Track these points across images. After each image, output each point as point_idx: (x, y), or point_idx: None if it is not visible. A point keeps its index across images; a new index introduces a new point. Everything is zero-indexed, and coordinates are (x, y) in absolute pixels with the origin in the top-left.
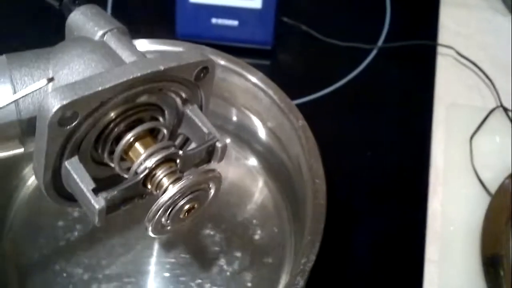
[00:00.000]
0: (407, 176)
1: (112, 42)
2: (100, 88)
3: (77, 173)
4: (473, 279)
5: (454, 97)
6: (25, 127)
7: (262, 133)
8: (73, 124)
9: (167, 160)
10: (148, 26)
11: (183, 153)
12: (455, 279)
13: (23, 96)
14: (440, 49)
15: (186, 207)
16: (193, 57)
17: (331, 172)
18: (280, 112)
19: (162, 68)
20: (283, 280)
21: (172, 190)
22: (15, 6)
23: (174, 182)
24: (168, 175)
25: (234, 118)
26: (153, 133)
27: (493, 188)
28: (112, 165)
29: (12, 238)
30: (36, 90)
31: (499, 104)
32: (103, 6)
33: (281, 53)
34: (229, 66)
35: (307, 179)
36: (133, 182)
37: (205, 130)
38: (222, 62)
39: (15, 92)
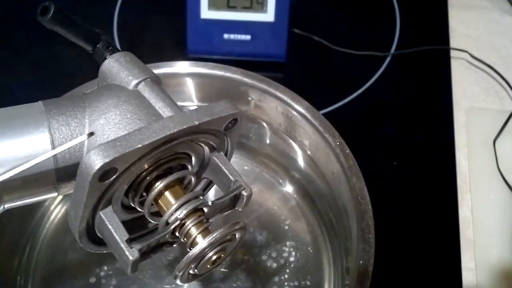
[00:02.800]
0: (435, 184)
1: (146, 92)
2: (139, 146)
3: (111, 223)
4: None
5: (472, 100)
6: (60, 175)
7: (297, 155)
8: (111, 179)
9: (196, 209)
10: (156, 44)
11: (212, 203)
12: (494, 287)
13: (63, 150)
14: (453, 53)
15: (214, 257)
16: (225, 110)
17: None
18: (314, 130)
19: (197, 123)
20: None
21: (203, 243)
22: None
23: (203, 232)
24: (196, 224)
25: (268, 141)
26: (181, 180)
27: None
28: (141, 210)
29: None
30: (74, 144)
31: None
32: (109, 25)
33: (295, 65)
34: (266, 89)
35: (348, 198)
36: (165, 233)
37: (231, 178)
38: (259, 85)
39: (52, 141)
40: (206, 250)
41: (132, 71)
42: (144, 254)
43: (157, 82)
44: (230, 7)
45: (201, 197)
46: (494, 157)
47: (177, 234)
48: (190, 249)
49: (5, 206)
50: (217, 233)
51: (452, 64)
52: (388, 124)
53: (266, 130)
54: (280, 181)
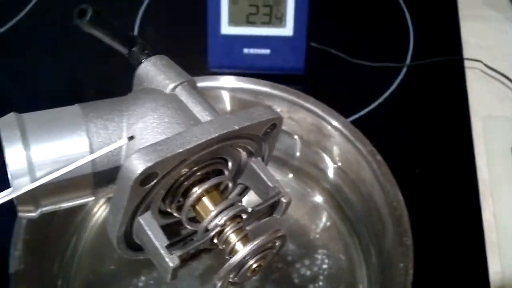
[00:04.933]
0: (457, 191)
1: (183, 95)
2: (181, 150)
3: (150, 229)
4: None
5: (488, 109)
6: (97, 179)
7: (326, 165)
8: (152, 183)
9: (235, 216)
10: (177, 58)
11: (251, 210)
12: None
13: (101, 154)
14: (467, 63)
15: (254, 265)
16: (265, 115)
17: None
18: (345, 140)
19: (237, 127)
20: None
21: (244, 251)
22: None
23: (242, 239)
24: (236, 231)
25: (298, 153)
26: (218, 186)
27: None
28: (178, 215)
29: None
30: (114, 147)
31: None
32: None
33: (313, 78)
34: (295, 101)
35: (382, 204)
36: (205, 239)
37: (270, 184)
38: (289, 97)
39: (91, 144)
40: (247, 257)
41: (169, 75)
42: (184, 261)
43: (194, 86)
44: (250, 23)
45: (239, 203)
46: None
47: (215, 241)
48: (230, 257)
49: (43, 210)
50: (259, 240)
51: (467, 74)
52: (408, 133)
53: (296, 141)
54: (309, 191)
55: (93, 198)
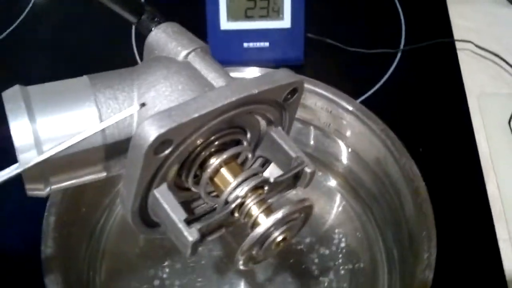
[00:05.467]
0: (460, 165)
1: (197, 62)
2: (196, 115)
3: (167, 202)
4: None
5: (482, 87)
6: (109, 152)
7: (339, 148)
8: (167, 152)
9: (257, 187)
10: None
11: (273, 180)
12: None
13: (111, 124)
14: (458, 44)
15: (280, 238)
16: (285, 78)
17: None
18: (358, 121)
19: (256, 91)
20: (381, 281)
21: (267, 222)
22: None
23: (265, 211)
24: (257, 203)
25: (312, 142)
26: (237, 157)
27: None
28: (195, 190)
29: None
30: (125, 115)
31: None
32: (128, 36)
33: (311, 68)
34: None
35: (398, 177)
36: (225, 212)
37: (292, 154)
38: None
39: (100, 115)
40: (271, 229)
41: (181, 42)
42: (203, 236)
43: (207, 51)
44: (248, 17)
45: (262, 175)
46: (511, 135)
47: (236, 214)
48: (252, 230)
49: (52, 187)
50: (284, 209)
51: (459, 54)
52: (408, 114)
53: (309, 129)
54: (324, 176)
55: (105, 174)
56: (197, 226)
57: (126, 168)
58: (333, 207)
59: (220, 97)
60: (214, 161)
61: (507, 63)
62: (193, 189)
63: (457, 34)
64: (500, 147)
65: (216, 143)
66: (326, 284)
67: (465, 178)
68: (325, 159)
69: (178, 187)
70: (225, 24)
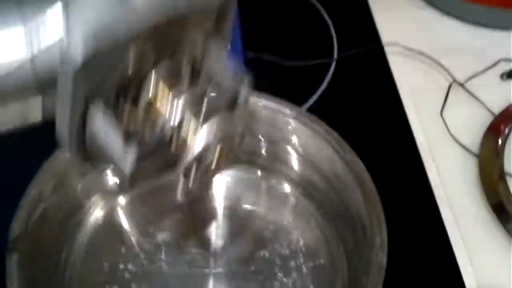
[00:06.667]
0: (401, 157)
1: None
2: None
3: (102, 120)
4: (488, 226)
5: (413, 84)
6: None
7: (290, 156)
8: (96, 64)
9: (191, 103)
10: None
11: (207, 96)
12: (472, 231)
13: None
14: (387, 48)
15: (217, 153)
16: None
17: None
18: (302, 126)
19: None
20: (341, 272)
21: (201, 136)
22: None
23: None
24: (192, 120)
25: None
26: (176, 78)
27: (476, 149)
28: (135, 114)
29: None
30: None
31: (452, 80)
32: None
33: (252, 84)
34: None
35: (345, 173)
36: (161, 130)
37: (229, 69)
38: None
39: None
40: (204, 146)
41: None
42: (145, 170)
43: None
44: None
45: (197, 91)
46: (444, 126)
47: (173, 145)
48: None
49: None
50: (214, 119)
51: (388, 56)
52: (348, 117)
53: (257, 137)
54: (278, 183)
55: (40, 115)
56: (134, 140)
57: (58, 88)
58: (289, 210)
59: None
60: (149, 79)
61: (432, 59)
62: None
63: (384, 38)
64: (436, 137)
65: (152, 58)
66: (290, 284)
67: (407, 168)
68: (277, 167)
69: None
70: None
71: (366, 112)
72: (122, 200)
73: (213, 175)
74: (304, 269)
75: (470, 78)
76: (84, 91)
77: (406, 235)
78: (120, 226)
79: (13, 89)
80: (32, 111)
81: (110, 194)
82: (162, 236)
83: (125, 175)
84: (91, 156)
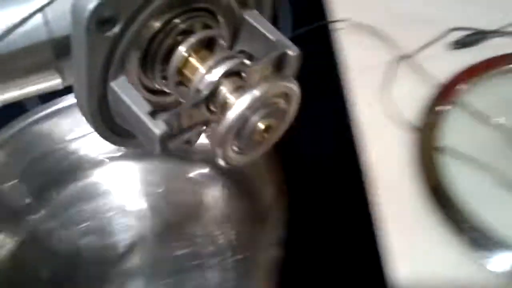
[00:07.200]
0: (342, 137)
1: None
2: None
3: (127, 95)
4: (424, 212)
5: (360, 61)
6: (58, 49)
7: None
8: (114, 31)
9: (233, 73)
10: None
11: (251, 64)
12: (407, 211)
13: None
14: (337, 24)
15: (261, 125)
16: None
17: None
18: None
19: None
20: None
21: (242, 102)
22: None
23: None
24: (234, 91)
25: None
26: (209, 47)
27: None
28: (167, 90)
29: None
30: None
31: (401, 54)
32: None
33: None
34: None
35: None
36: (196, 101)
37: (272, 37)
38: None
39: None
40: (247, 113)
41: None
42: (174, 133)
43: None
44: None
45: (238, 58)
46: (387, 102)
47: (212, 108)
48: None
49: (5, 98)
50: (259, 87)
51: (338, 34)
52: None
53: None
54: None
55: (60, 80)
56: (163, 117)
57: (73, 54)
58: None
59: None
60: (181, 49)
61: (381, 33)
62: (164, 88)
63: (338, 14)
64: (375, 115)
65: (181, 27)
66: (217, 279)
67: (346, 148)
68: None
69: (147, 90)
70: None
71: (311, 93)
72: None
73: (260, 148)
74: (228, 265)
75: (420, 49)
76: (101, 57)
77: (333, 218)
78: None
79: (29, 50)
80: (52, 79)
81: None
82: None
83: (154, 149)
84: (116, 130)
